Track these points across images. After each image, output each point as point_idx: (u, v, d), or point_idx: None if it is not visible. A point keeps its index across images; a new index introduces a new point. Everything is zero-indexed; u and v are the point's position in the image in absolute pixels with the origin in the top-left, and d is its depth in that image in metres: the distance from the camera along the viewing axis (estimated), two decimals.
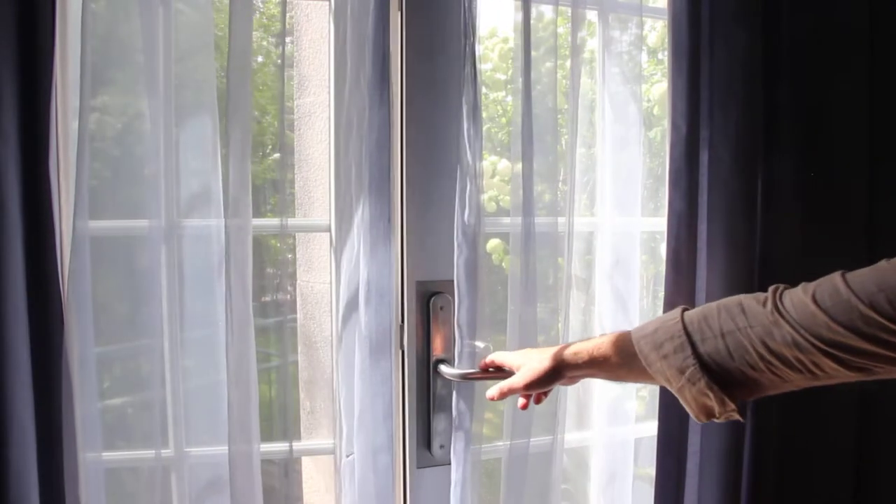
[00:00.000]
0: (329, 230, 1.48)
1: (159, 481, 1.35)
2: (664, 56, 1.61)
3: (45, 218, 1.15)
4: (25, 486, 1.14)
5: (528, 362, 1.15)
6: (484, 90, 5.01)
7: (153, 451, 1.34)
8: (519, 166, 1.47)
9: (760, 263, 1.47)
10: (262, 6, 1.63)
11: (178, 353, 1.34)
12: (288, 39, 1.50)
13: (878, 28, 1.50)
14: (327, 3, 1.46)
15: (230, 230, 1.31)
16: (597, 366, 1.07)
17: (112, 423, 1.40)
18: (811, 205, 1.51)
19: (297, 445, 1.68)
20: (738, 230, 1.48)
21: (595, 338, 1.11)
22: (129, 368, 1.40)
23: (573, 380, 1.17)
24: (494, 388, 1.20)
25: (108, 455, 1.33)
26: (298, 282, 3.11)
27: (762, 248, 1.48)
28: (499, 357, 1.28)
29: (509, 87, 4.97)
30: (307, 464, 3.11)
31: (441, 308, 1.41)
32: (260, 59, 1.50)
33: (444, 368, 1.37)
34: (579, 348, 1.09)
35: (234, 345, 1.32)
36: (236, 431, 1.34)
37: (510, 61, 4.91)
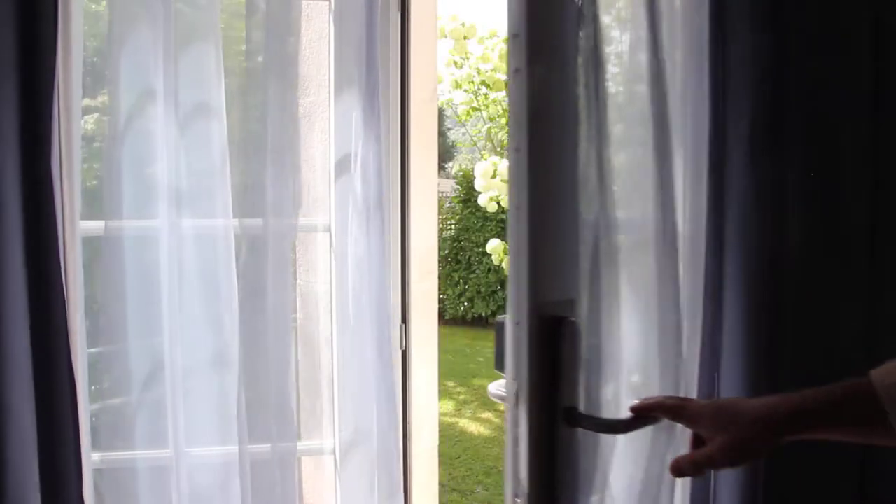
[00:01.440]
0: (329, 230, 1.48)
1: (159, 481, 1.35)
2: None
3: (48, 218, 1.14)
4: (24, 486, 1.14)
5: (729, 426, 0.82)
6: (484, 90, 5.02)
7: (153, 452, 1.34)
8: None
9: (774, 261, 1.45)
10: (262, 6, 1.64)
11: (179, 353, 1.34)
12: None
13: (883, 21, 1.49)
14: (327, 3, 1.47)
15: (237, 230, 1.32)
16: (824, 424, 0.81)
17: (113, 423, 1.40)
18: (816, 203, 1.50)
19: (297, 445, 1.68)
20: (753, 228, 1.47)
21: (813, 389, 0.85)
22: (130, 369, 1.39)
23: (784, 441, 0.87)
24: (685, 462, 0.85)
25: (109, 455, 1.33)
26: (298, 282, 3.10)
27: (775, 246, 1.46)
28: (667, 408, 0.89)
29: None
30: (307, 463, 3.11)
31: (574, 337, 1.04)
32: (260, 59, 1.49)
33: (579, 417, 1.00)
34: (797, 404, 0.81)
35: (241, 345, 1.32)
36: (236, 432, 1.33)
37: None
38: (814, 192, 1.52)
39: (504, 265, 5.05)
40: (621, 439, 1.09)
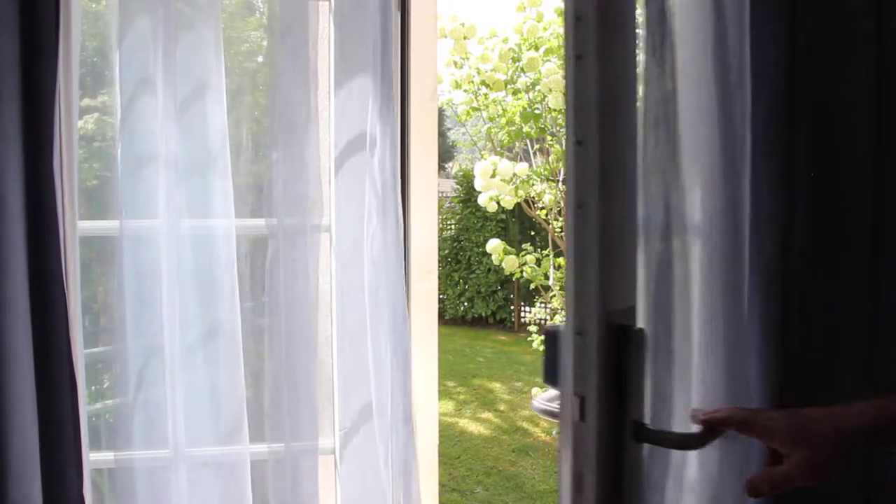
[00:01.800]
0: (329, 230, 1.48)
1: (159, 481, 1.35)
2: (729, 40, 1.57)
3: (49, 218, 1.15)
4: (26, 484, 1.14)
5: (806, 440, 0.75)
6: (484, 90, 5.02)
7: (154, 452, 1.34)
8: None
9: (790, 260, 1.42)
10: (261, 6, 1.64)
11: (178, 354, 1.34)
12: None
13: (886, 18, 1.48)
14: (327, 3, 1.47)
15: (238, 230, 1.32)
16: None
17: (113, 423, 1.40)
18: (820, 202, 1.48)
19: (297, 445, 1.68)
20: (768, 225, 1.45)
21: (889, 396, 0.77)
22: (130, 368, 1.40)
23: None
24: (760, 480, 0.79)
25: (108, 455, 1.33)
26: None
27: (790, 242, 1.43)
28: (736, 420, 0.82)
29: (509, 87, 4.98)
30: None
31: (641, 347, 0.96)
32: (260, 59, 1.49)
33: (648, 432, 0.92)
34: (883, 415, 0.74)
35: (242, 346, 1.33)
36: (236, 432, 1.34)
37: (510, 61, 4.93)
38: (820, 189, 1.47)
39: (504, 265, 5.04)
40: (691, 454, 1.02)
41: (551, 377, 0.91)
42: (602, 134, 0.91)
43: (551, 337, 0.92)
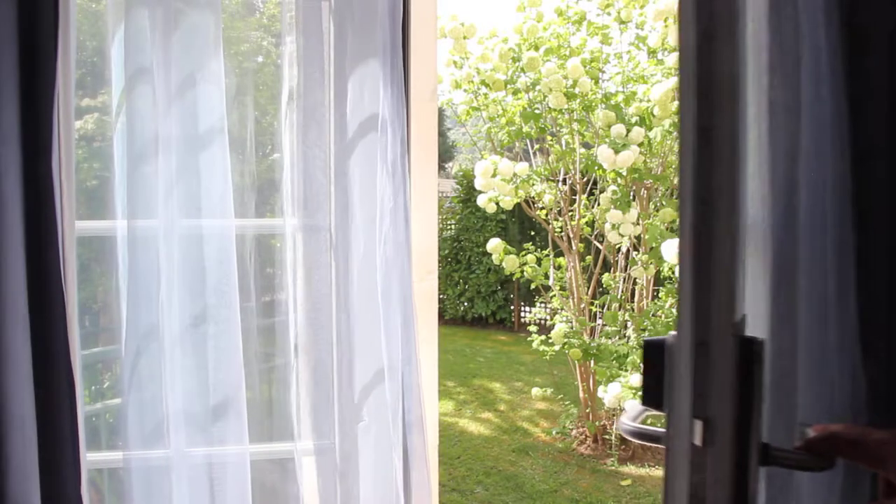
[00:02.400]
0: (329, 230, 1.48)
1: (159, 481, 1.35)
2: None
3: (48, 218, 1.14)
4: (26, 483, 1.14)
5: None
6: (484, 90, 5.02)
7: (153, 452, 1.34)
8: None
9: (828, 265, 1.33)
10: (261, 6, 1.64)
11: (179, 353, 1.34)
12: (288, 39, 1.52)
13: None
14: (327, 2, 1.47)
15: (249, 230, 1.33)
16: None
17: (113, 423, 1.40)
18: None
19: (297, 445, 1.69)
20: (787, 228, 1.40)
21: None
22: (130, 368, 1.40)
23: None
24: None
25: (108, 455, 1.33)
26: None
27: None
28: (844, 442, 0.75)
29: (509, 87, 4.98)
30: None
31: (761, 360, 0.88)
32: (260, 59, 1.50)
33: (775, 453, 0.83)
34: None
35: (243, 344, 1.33)
36: (238, 432, 1.34)
37: (510, 61, 4.93)
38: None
39: (504, 265, 5.04)
40: (810, 477, 0.94)
41: (654, 397, 0.82)
42: (734, 121, 0.80)
43: (656, 351, 0.83)
